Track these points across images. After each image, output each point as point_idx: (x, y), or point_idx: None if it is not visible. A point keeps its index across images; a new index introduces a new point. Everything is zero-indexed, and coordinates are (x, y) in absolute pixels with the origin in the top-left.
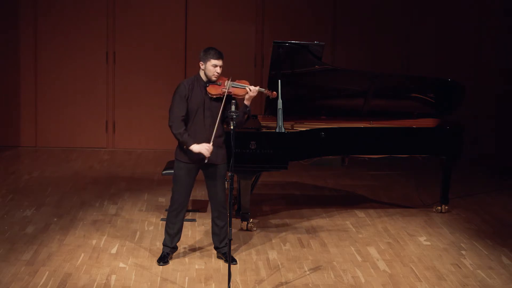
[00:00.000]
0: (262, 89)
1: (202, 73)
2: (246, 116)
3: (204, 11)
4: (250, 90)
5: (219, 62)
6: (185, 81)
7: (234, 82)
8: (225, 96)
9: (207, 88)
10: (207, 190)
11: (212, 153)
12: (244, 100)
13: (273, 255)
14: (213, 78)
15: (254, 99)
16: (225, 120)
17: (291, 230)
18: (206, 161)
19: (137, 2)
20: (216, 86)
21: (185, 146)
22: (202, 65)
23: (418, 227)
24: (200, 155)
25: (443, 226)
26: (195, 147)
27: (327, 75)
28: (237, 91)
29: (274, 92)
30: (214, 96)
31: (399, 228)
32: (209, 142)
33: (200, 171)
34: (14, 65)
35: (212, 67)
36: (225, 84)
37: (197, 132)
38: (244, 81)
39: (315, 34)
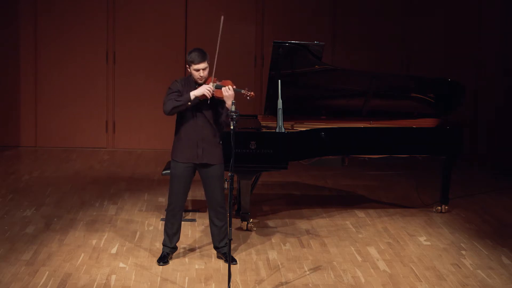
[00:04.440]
0: (239, 90)
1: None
2: (229, 118)
3: (204, 11)
4: (226, 90)
5: (201, 66)
6: (178, 79)
7: (218, 83)
8: (209, 98)
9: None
10: (204, 190)
11: (207, 152)
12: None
13: (273, 255)
14: (199, 81)
15: (254, 99)
16: (218, 121)
17: (291, 230)
18: (208, 102)
19: (137, 2)
20: None
21: (189, 103)
22: (188, 68)
23: (418, 227)
24: (194, 153)
25: (443, 226)
26: (196, 91)
27: (327, 75)
28: (218, 93)
29: (252, 93)
30: (201, 99)
31: (399, 228)
32: (202, 140)
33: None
34: (14, 65)
35: (195, 72)
36: (210, 86)
37: (189, 130)
38: (227, 81)
39: (315, 34)
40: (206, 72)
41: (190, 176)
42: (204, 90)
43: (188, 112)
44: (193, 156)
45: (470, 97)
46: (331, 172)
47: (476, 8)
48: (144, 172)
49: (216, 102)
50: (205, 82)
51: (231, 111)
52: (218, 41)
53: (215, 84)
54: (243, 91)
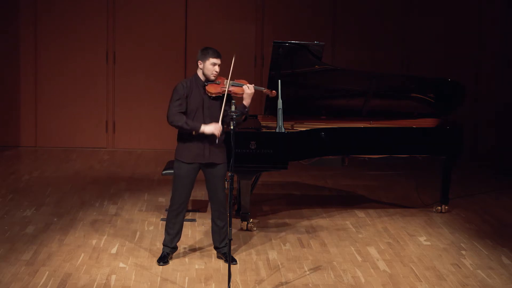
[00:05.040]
0: (261, 88)
1: (200, 73)
2: (243, 116)
3: (204, 11)
4: (248, 88)
5: (218, 61)
6: (183, 81)
7: (234, 81)
8: (226, 95)
9: (206, 87)
10: (207, 190)
11: (213, 151)
12: (243, 100)
13: (273, 255)
14: (212, 77)
15: (254, 99)
16: (224, 120)
17: (291, 230)
18: (217, 141)
19: (137, 2)
20: (215, 85)
21: (194, 132)
22: (200, 64)
23: (418, 227)
24: (200, 152)
25: (443, 226)
26: (206, 128)
27: (327, 75)
28: (236, 90)
29: (274, 91)
30: (214, 95)
31: (399, 228)
32: (209, 141)
33: (200, 171)
34: (14, 65)
35: (211, 66)
36: (224, 83)
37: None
38: (243, 80)
39: (315, 34)
40: (219, 69)
41: (194, 176)
42: (215, 130)
43: (198, 112)
44: (199, 156)
45: (470, 97)
46: (331, 172)
47: (476, 8)
48: (144, 172)
49: (226, 101)
50: (217, 79)
51: (231, 111)
52: (230, 74)
53: (230, 82)
54: (264, 90)
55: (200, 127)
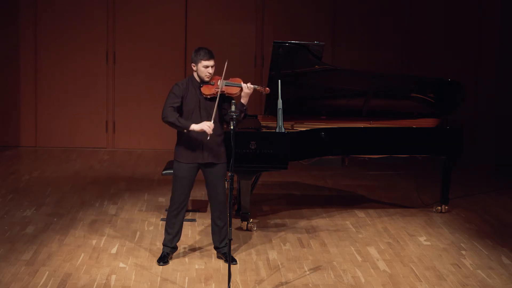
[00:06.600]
0: (256, 86)
1: (195, 74)
2: (242, 114)
3: (204, 11)
4: (247, 88)
5: (210, 63)
6: (180, 82)
7: (227, 81)
8: (218, 95)
9: (201, 89)
10: (207, 190)
11: (212, 152)
12: (240, 98)
13: (273, 255)
14: (206, 79)
15: (254, 99)
16: (223, 119)
17: (291, 230)
18: (208, 138)
19: (137, 2)
20: (210, 86)
21: (185, 130)
22: (194, 66)
23: (418, 227)
24: (199, 153)
25: (443, 226)
26: (196, 126)
27: (327, 75)
28: (231, 90)
29: (267, 88)
30: (209, 96)
31: (399, 228)
32: (208, 140)
33: (200, 171)
34: (14, 65)
35: (203, 68)
36: (218, 84)
37: (195, 132)
38: (237, 79)
39: (315, 34)
40: (213, 70)
41: (193, 176)
42: (204, 126)
43: (195, 113)
44: (198, 156)
45: (469, 97)
46: (331, 172)
47: (476, 8)
48: (144, 172)
49: (221, 101)
50: (212, 80)
51: (231, 111)
52: (223, 76)
53: (224, 81)
54: (258, 88)
55: (190, 125)
